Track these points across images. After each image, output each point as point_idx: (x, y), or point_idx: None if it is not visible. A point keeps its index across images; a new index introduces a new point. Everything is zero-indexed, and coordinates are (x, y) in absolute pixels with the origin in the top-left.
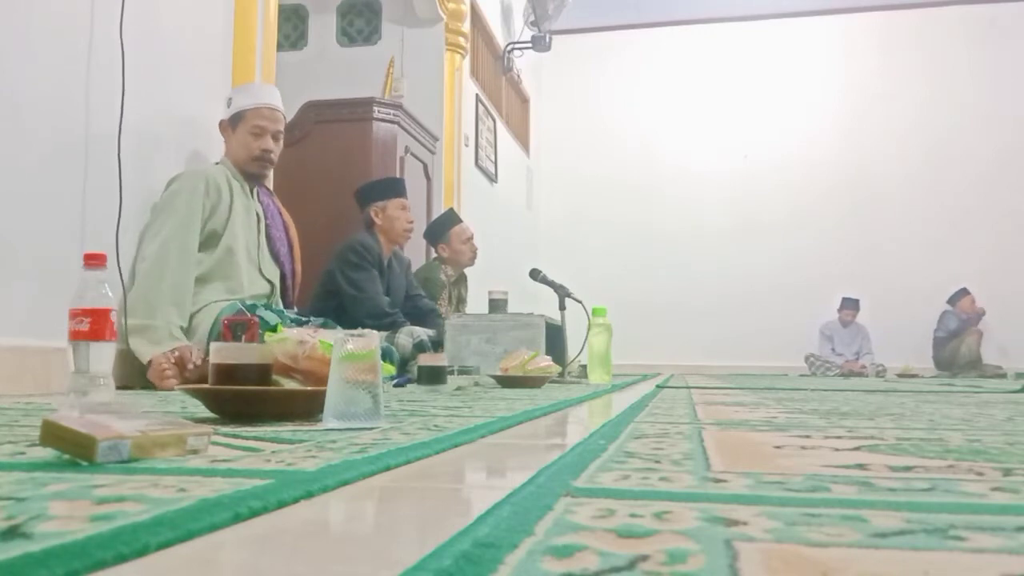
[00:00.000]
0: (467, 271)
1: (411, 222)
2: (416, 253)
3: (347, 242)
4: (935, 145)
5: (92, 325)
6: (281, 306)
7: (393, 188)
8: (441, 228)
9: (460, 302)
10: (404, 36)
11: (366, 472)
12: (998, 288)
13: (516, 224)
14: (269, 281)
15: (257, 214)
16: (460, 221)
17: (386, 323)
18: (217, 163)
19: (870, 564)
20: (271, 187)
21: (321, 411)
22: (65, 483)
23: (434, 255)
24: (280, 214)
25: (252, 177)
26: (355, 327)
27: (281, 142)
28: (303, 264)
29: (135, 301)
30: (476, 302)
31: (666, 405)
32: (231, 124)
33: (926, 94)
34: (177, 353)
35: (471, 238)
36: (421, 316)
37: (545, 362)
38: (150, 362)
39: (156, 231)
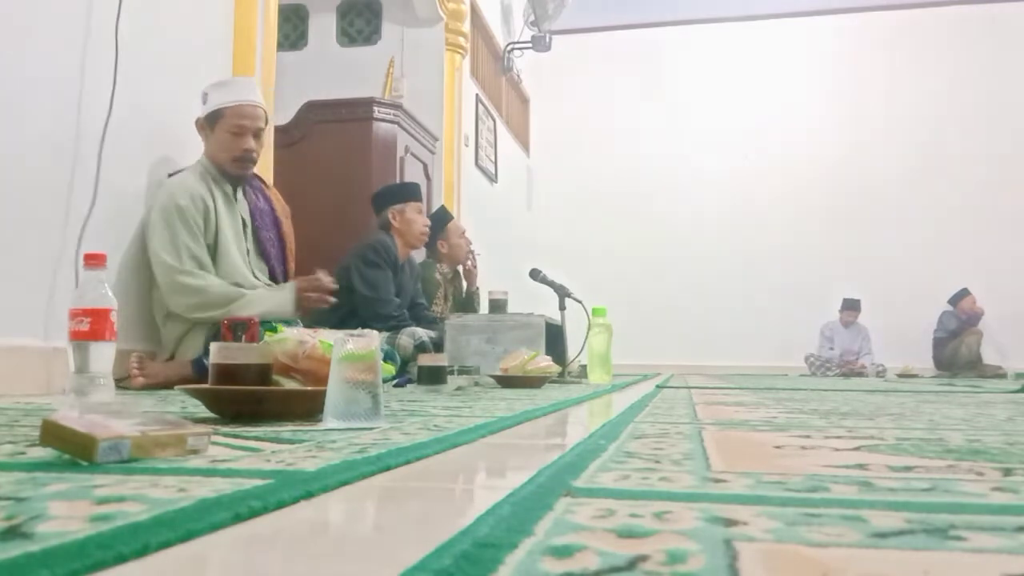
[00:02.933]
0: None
1: (427, 225)
2: (418, 255)
3: (367, 240)
4: (936, 145)
5: (92, 325)
6: None
7: (411, 192)
8: (439, 224)
9: (456, 300)
10: (404, 36)
11: (366, 472)
12: (998, 288)
13: (516, 224)
14: (267, 285)
15: (242, 218)
16: (453, 217)
17: (391, 325)
18: (192, 166)
19: (870, 564)
20: (265, 179)
21: (321, 411)
22: (65, 483)
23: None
24: (272, 210)
25: (234, 178)
26: (365, 326)
27: (263, 139)
28: (302, 264)
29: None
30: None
31: (666, 405)
32: (208, 123)
33: (927, 94)
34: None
35: (465, 232)
36: (419, 324)
37: (545, 362)
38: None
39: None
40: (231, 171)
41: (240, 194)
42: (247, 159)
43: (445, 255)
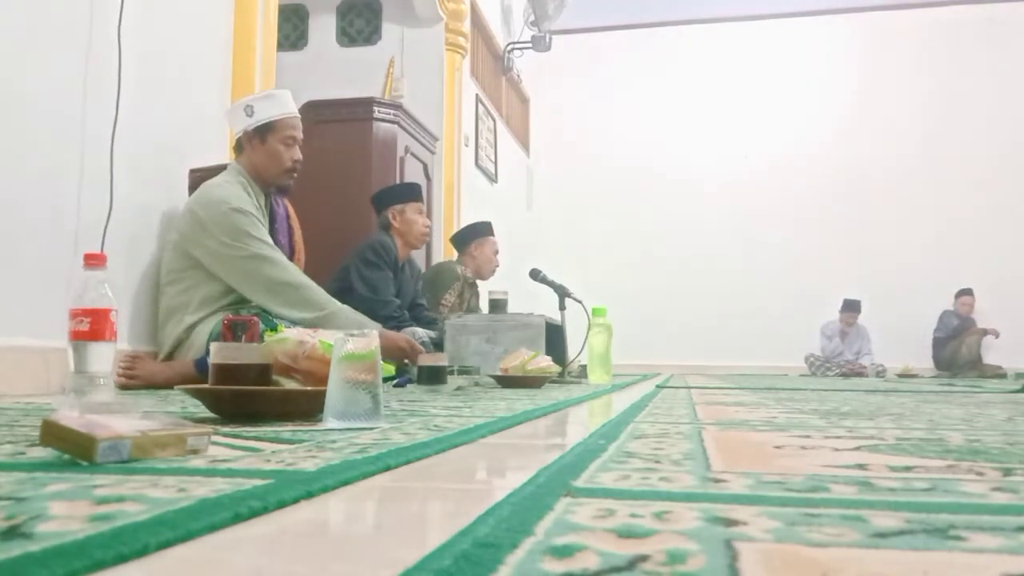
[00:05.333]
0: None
1: (428, 226)
2: (418, 256)
3: (367, 240)
4: (936, 145)
5: (92, 325)
6: None
7: (411, 192)
8: (481, 231)
9: (470, 311)
10: (404, 36)
11: (366, 472)
12: (998, 288)
13: (516, 224)
14: None
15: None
16: (495, 235)
17: (391, 325)
18: (228, 175)
19: (870, 564)
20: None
21: (321, 411)
22: (65, 483)
23: (455, 258)
24: (287, 218)
25: (279, 188)
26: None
27: None
28: (304, 265)
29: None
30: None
31: (666, 405)
32: (258, 134)
33: (927, 94)
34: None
35: (497, 253)
36: (419, 325)
37: (545, 362)
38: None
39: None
40: (281, 182)
41: (267, 202)
42: (296, 169)
43: (476, 258)
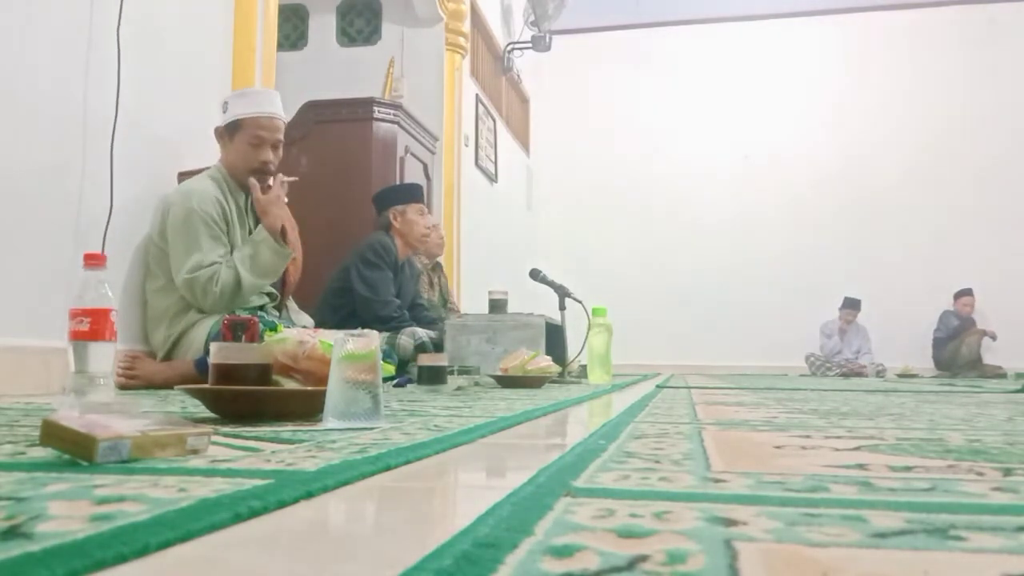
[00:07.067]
0: (470, 271)
1: (429, 227)
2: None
3: (367, 241)
4: (935, 145)
5: (92, 325)
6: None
7: (413, 193)
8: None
9: (444, 293)
10: (404, 36)
11: (366, 472)
12: (998, 288)
13: (516, 224)
14: (267, 293)
15: (249, 228)
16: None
17: (392, 326)
18: (208, 172)
19: (870, 564)
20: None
21: (321, 411)
22: (65, 483)
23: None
24: None
25: (247, 188)
26: (365, 327)
27: (280, 150)
28: (303, 265)
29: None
30: (477, 302)
31: (666, 405)
32: (228, 132)
33: (926, 94)
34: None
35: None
36: (419, 325)
37: (545, 362)
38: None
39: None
40: (248, 181)
41: (251, 204)
42: (264, 171)
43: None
